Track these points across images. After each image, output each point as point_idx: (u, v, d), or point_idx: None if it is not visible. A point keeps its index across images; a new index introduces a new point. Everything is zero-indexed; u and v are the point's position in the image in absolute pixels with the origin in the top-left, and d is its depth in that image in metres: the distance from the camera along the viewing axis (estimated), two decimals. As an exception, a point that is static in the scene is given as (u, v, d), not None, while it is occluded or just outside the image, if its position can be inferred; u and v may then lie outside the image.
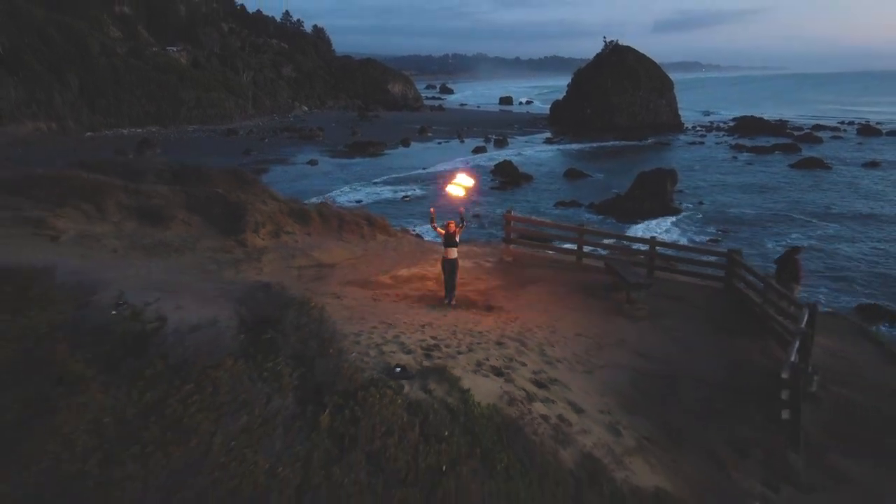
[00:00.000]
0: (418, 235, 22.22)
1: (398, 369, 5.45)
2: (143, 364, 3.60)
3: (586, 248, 11.41)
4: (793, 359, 6.37)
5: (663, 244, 12.02)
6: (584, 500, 5.16)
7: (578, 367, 7.62)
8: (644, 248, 11.92)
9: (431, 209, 10.33)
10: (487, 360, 6.81)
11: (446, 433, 4.32)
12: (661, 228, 41.57)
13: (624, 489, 5.45)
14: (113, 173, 10.69)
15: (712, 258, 11.22)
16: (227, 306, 4.49)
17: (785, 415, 6.25)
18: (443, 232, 9.29)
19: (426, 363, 5.92)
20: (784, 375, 6.15)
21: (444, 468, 4.07)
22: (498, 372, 6.54)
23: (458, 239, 9.36)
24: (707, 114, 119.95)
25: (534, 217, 16.48)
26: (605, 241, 12.40)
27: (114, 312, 3.89)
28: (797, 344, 6.78)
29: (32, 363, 3.44)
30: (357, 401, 4.03)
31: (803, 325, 7.34)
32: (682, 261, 11.23)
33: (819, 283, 30.88)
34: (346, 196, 51.63)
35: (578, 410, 6.40)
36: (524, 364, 7.10)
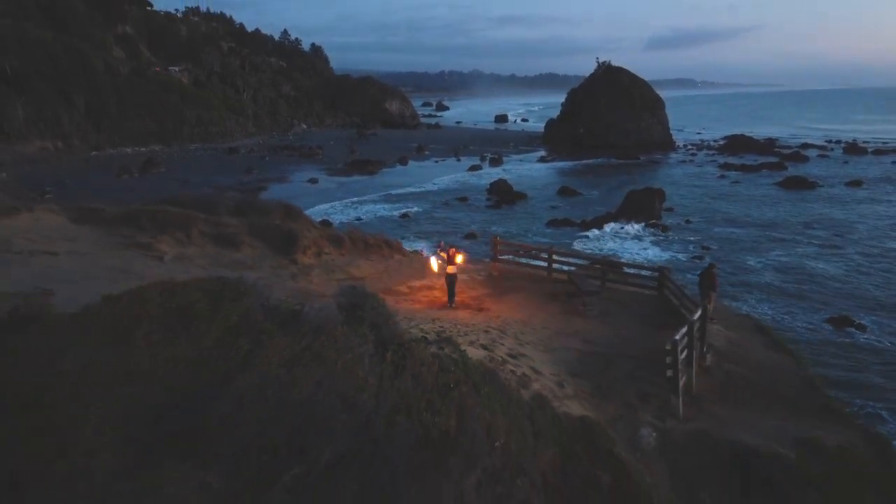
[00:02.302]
0: (415, 251, 25.82)
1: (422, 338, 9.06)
2: (298, 326, 7.20)
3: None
4: (676, 337, 10.03)
5: (613, 262, 15.83)
6: (534, 418, 8.79)
7: (541, 348, 11.29)
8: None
9: (439, 253, 13.66)
10: (478, 340, 10.49)
11: (452, 369, 7.92)
12: (644, 244, 45.28)
13: (560, 414, 9.10)
14: (192, 207, 14.34)
15: (650, 273, 14.97)
16: (327, 299, 8.16)
17: (669, 373, 9.89)
18: (445, 256, 13.01)
19: (437, 338, 9.57)
20: (667, 347, 9.81)
21: (451, 385, 7.66)
22: (484, 347, 10.22)
23: (456, 260, 13.09)
24: (698, 132, 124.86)
25: (515, 241, 20.26)
26: (569, 260, 16.19)
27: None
28: (684, 329, 10.44)
29: (249, 325, 7.04)
30: (405, 348, 7.65)
31: (695, 318, 11.01)
32: (628, 275, 14.99)
33: (797, 295, 34.55)
34: (345, 214, 54.91)
35: (537, 372, 10.07)
36: (503, 344, 10.78)
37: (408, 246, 30.61)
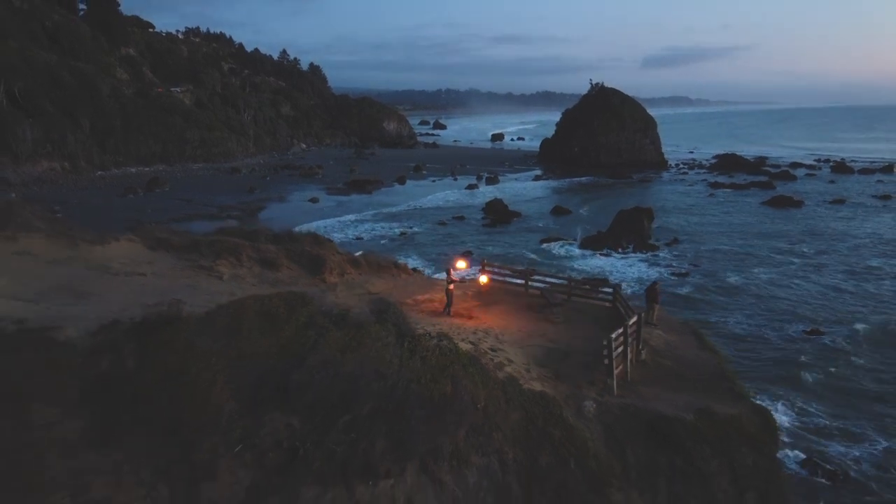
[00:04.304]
0: (416, 270, 29.91)
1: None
2: (346, 324, 11.14)
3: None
4: (613, 335, 13.99)
5: (576, 280, 19.98)
6: (506, 390, 12.75)
7: (516, 345, 15.26)
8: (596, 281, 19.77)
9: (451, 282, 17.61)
10: (467, 338, 14.46)
11: (448, 354, 11.87)
12: (631, 262, 49.10)
13: (526, 390, 13.05)
14: (239, 236, 18.29)
15: (607, 289, 19.08)
16: (357, 308, 12.16)
17: (606, 361, 13.86)
18: (446, 277, 17.10)
19: (438, 335, 13.53)
20: (604, 342, 13.79)
21: (447, 365, 11.62)
22: (471, 343, 14.20)
23: (453, 278, 17.14)
24: (691, 151, 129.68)
25: (499, 263, 24.35)
26: (542, 278, 20.27)
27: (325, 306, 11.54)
28: (620, 329, 14.42)
29: (313, 323, 10.98)
30: (416, 340, 11.61)
31: (630, 322, 14.98)
32: (588, 290, 19.04)
33: (776, 308, 38.36)
34: (345, 232, 58.56)
35: (510, 361, 14.04)
36: (486, 342, 14.75)
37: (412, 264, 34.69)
